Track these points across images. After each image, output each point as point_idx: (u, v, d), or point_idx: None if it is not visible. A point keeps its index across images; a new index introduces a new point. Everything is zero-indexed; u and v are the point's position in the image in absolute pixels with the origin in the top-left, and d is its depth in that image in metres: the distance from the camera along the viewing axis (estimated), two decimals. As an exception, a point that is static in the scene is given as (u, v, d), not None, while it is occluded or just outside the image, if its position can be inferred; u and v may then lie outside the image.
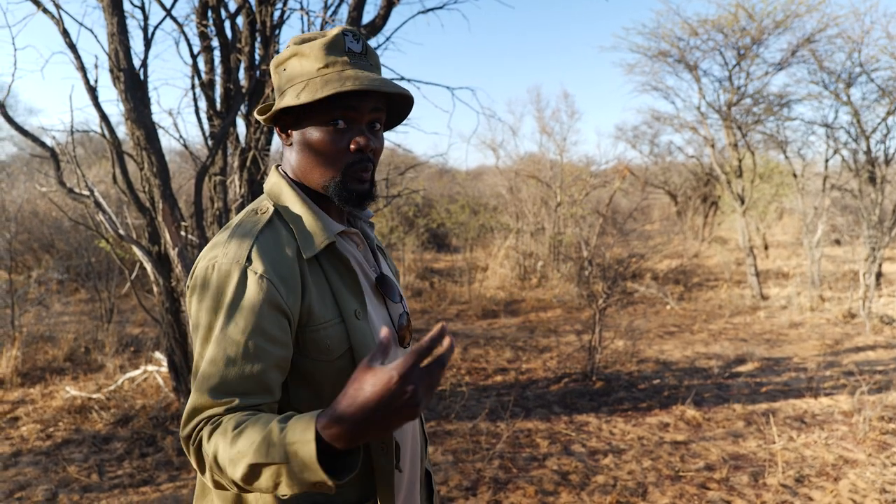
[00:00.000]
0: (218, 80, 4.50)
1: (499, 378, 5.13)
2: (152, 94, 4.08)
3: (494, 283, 9.60)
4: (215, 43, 4.47)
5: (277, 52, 4.45)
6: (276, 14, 4.36)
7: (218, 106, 4.44)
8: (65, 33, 3.73)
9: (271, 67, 1.17)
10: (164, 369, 4.49)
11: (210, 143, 4.23)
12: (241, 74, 4.43)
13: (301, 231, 1.09)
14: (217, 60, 4.54)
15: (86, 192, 3.98)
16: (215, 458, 0.90)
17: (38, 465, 3.52)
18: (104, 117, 3.90)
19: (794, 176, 9.85)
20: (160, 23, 4.00)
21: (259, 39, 4.36)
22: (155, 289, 4.09)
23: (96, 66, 3.81)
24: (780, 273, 10.81)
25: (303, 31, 4.37)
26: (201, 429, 0.94)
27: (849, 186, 9.33)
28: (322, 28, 4.33)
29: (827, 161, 9.33)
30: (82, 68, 3.76)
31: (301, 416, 0.85)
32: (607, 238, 9.29)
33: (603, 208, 10.10)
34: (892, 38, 8.60)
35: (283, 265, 1.03)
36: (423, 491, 1.27)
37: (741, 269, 11.12)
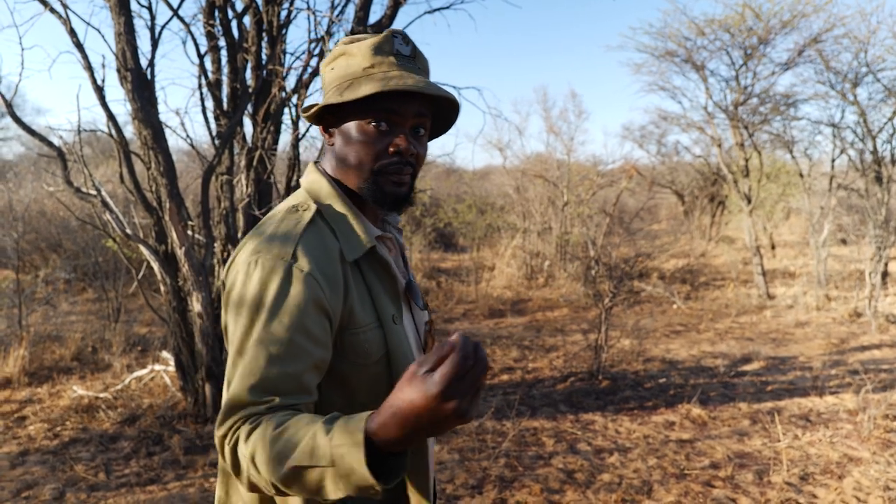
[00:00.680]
0: (225, 79, 4.53)
1: (505, 377, 5.14)
2: (159, 94, 4.12)
3: (501, 283, 9.60)
4: (222, 43, 4.49)
5: (284, 51, 4.47)
6: (283, 14, 4.38)
7: (225, 105, 4.46)
8: (72, 33, 3.76)
9: (321, 66, 1.17)
10: (172, 368, 4.52)
11: (217, 142, 4.26)
12: (248, 74, 4.45)
13: (344, 232, 1.07)
14: (224, 60, 4.56)
15: (93, 192, 4.01)
16: (253, 459, 0.87)
17: (46, 464, 3.54)
18: (111, 117, 3.93)
19: (801, 175, 9.82)
20: (167, 22, 4.02)
21: (266, 39, 4.38)
22: (162, 288, 4.11)
23: (103, 66, 3.84)
24: (787, 272, 10.77)
25: (309, 31, 4.39)
26: (238, 427, 0.91)
27: (855, 186, 9.28)
28: (329, 28, 4.35)
29: (833, 161, 9.29)
30: (89, 68, 3.79)
31: (349, 418, 0.83)
32: (614, 237, 9.28)
33: (610, 208, 10.09)
34: (899, 37, 8.56)
35: (327, 265, 1.02)
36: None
37: (748, 269, 11.08)
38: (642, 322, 7.23)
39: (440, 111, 1.18)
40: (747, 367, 5.39)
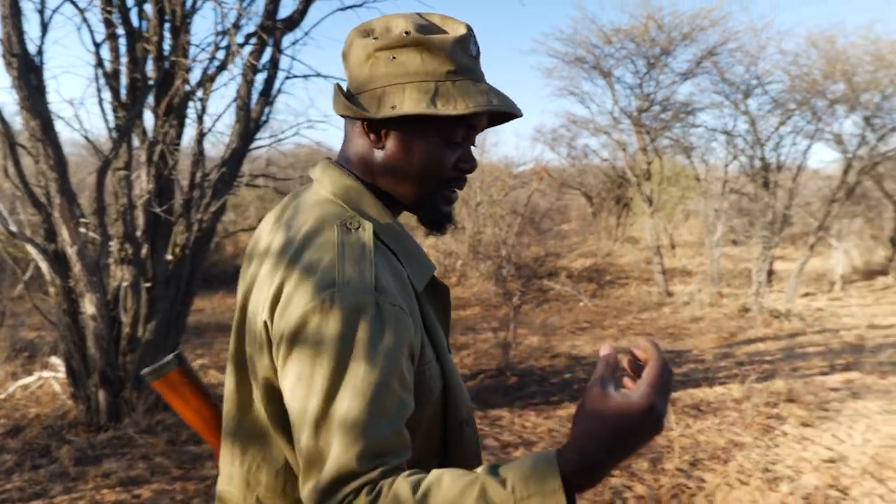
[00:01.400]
0: (124, 69, 4.32)
1: (415, 375, 5.17)
2: (51, 83, 3.88)
3: (413, 282, 9.63)
4: (121, 31, 4.28)
5: (189, 43, 4.31)
6: (188, 3, 4.23)
7: (123, 97, 4.25)
8: (-50, 15, 3.49)
9: (361, 46, 0.95)
10: (62, 375, 4.27)
11: (114, 135, 4.06)
12: (150, 65, 4.27)
13: (407, 255, 0.94)
14: (123, 49, 4.36)
15: (-26, 186, 3.74)
16: None
17: (-82, 478, 3.28)
18: (-5, 106, 3.67)
19: (698, 179, 10.40)
20: (59, 7, 3.81)
21: (168, 29, 4.22)
22: (51, 290, 3.88)
23: (-14, 52, 3.59)
24: (685, 271, 11.38)
25: (216, 23, 4.26)
26: (351, 501, 0.75)
27: (745, 190, 9.93)
28: (237, 21, 4.22)
29: (727, 166, 9.91)
30: (-31, 53, 3.53)
31: (521, 462, 0.72)
32: (525, 237, 9.51)
33: (521, 208, 10.33)
34: (784, 54, 9.24)
35: (405, 295, 0.88)
36: None
37: (650, 268, 11.62)
38: (550, 319, 7.46)
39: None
40: (646, 362, 5.66)
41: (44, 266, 3.81)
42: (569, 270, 10.86)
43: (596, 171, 16.71)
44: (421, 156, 0.95)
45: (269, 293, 0.87)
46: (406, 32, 0.93)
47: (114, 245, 4.05)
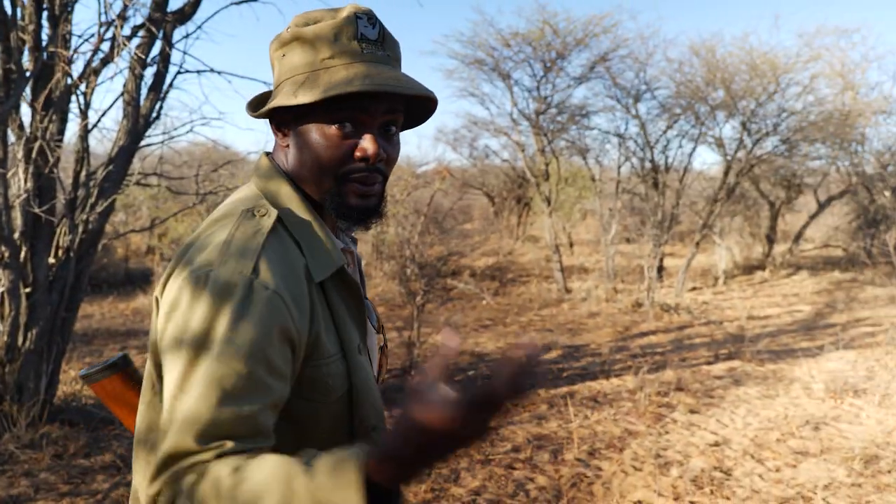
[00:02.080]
0: (-5, 59, 3.99)
1: (319, 378, 5.10)
2: None
3: (317, 283, 9.49)
4: (-9, 18, 3.95)
5: (70, 33, 4.05)
6: (67, -9, 3.96)
7: (-5, 89, 3.93)
8: None
9: (270, 51, 0.96)
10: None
11: (-16, 130, 3.74)
12: (26, 56, 3.97)
13: (310, 246, 0.92)
14: (-7, 38, 4.02)
15: None
16: None
17: None
18: None
19: (593, 180, 10.85)
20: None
21: (47, 17, 3.94)
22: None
23: None
24: (583, 268, 11.85)
25: (99, 14, 4.01)
26: (178, 480, 0.74)
27: (637, 190, 10.47)
28: (123, 12, 4.00)
29: (619, 167, 10.41)
30: None
31: (331, 455, 0.70)
32: (428, 237, 9.58)
33: (424, 208, 10.39)
34: (670, 62, 9.81)
35: (294, 283, 0.86)
36: None
37: (549, 266, 12.01)
38: (454, 318, 7.56)
39: (416, 103, 1.01)
40: (547, 356, 5.86)
41: None
42: (472, 269, 11.04)
43: (497, 172, 17.08)
44: (312, 149, 0.93)
45: (166, 273, 0.89)
46: (288, 29, 0.94)
47: (-14, 249, 3.74)
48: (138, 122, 4.10)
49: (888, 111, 10.42)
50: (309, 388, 0.89)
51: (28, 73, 3.89)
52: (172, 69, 4.23)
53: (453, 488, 3.26)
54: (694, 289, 9.75)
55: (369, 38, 0.92)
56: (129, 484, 3.17)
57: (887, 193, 10.87)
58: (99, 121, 4.14)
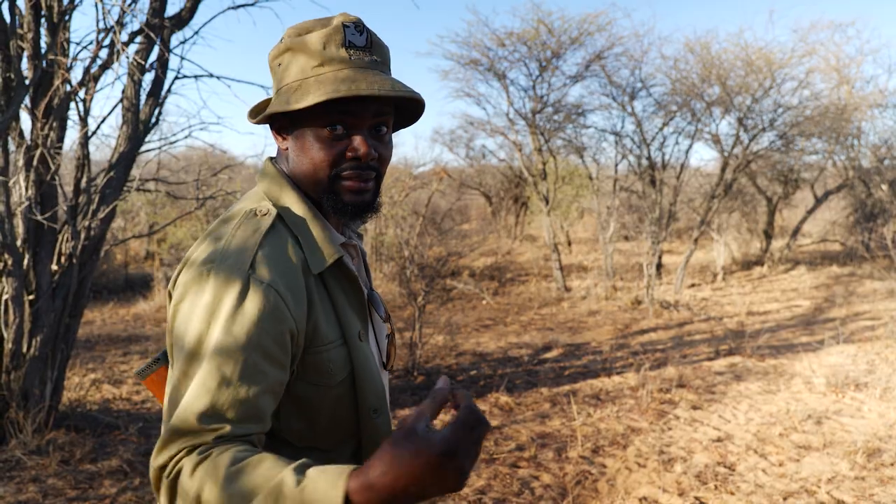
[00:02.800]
0: (-7, 68, 3.99)
1: (322, 380, 5.11)
2: None
3: (317, 286, 9.49)
4: (-11, 26, 3.96)
5: (69, 41, 4.06)
6: (65, -2, 3.97)
7: (-6, 97, 3.93)
8: None
9: (269, 60, 1.04)
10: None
11: (-16, 138, 3.75)
12: (25, 64, 3.98)
13: (308, 241, 0.99)
14: (-8, 46, 4.02)
15: None
16: (198, 497, 0.77)
17: None
18: None
19: (590, 178, 10.88)
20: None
21: (45, 25, 3.95)
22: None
23: None
24: (581, 267, 11.87)
25: (97, 20, 4.02)
26: (181, 458, 0.81)
27: (634, 188, 10.49)
28: (120, 18, 4.01)
29: (616, 165, 10.44)
30: None
31: (324, 470, 0.73)
32: (427, 238, 9.59)
33: (422, 209, 10.40)
34: (665, 59, 9.84)
35: (290, 276, 0.93)
36: None
37: (548, 265, 12.03)
38: (454, 318, 7.57)
39: (405, 105, 1.09)
40: (548, 355, 5.88)
41: None
42: (471, 269, 11.06)
43: (494, 172, 17.11)
44: (307, 151, 1.00)
45: (177, 269, 0.98)
46: (282, 40, 1.02)
47: (-12, 257, 3.74)
48: (137, 128, 4.11)
49: (884, 105, 10.47)
50: (312, 372, 0.97)
51: (27, 81, 3.90)
52: (171, 74, 4.24)
53: (459, 488, 3.27)
54: (693, 285, 9.78)
55: (357, 45, 0.98)
56: (136, 488, 3.18)
57: (884, 187, 10.91)
58: (98, 127, 4.14)
